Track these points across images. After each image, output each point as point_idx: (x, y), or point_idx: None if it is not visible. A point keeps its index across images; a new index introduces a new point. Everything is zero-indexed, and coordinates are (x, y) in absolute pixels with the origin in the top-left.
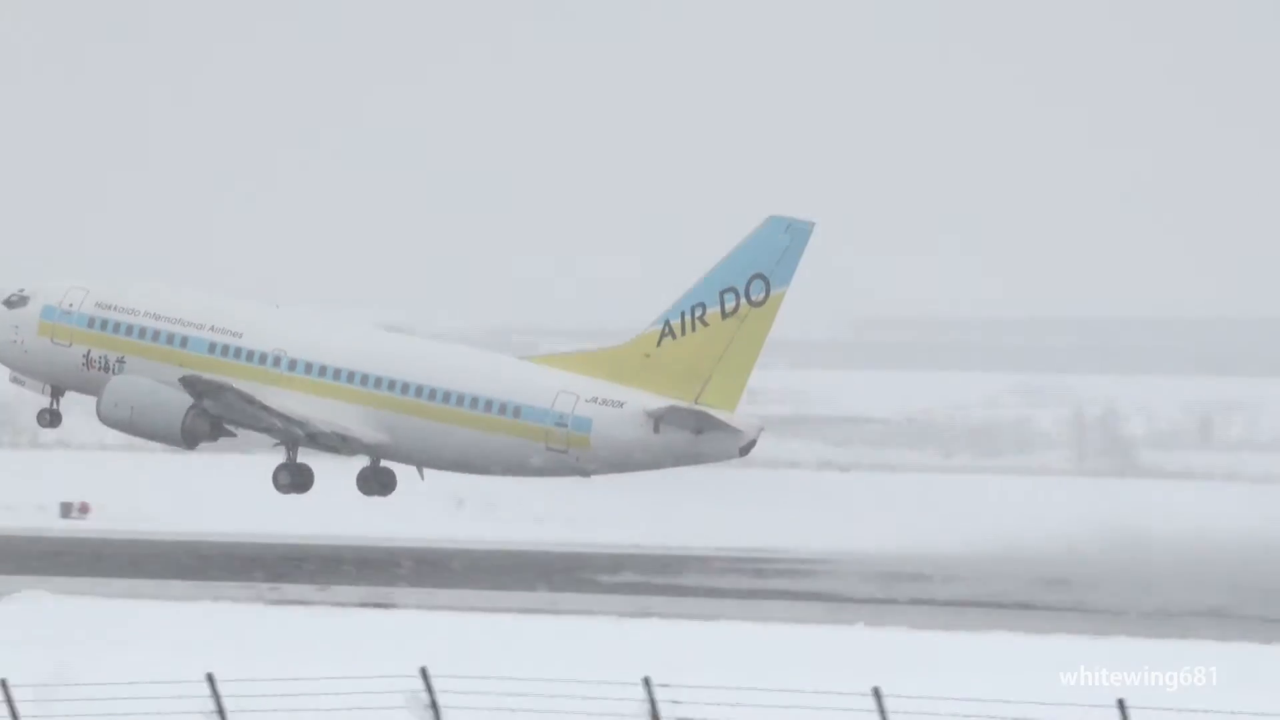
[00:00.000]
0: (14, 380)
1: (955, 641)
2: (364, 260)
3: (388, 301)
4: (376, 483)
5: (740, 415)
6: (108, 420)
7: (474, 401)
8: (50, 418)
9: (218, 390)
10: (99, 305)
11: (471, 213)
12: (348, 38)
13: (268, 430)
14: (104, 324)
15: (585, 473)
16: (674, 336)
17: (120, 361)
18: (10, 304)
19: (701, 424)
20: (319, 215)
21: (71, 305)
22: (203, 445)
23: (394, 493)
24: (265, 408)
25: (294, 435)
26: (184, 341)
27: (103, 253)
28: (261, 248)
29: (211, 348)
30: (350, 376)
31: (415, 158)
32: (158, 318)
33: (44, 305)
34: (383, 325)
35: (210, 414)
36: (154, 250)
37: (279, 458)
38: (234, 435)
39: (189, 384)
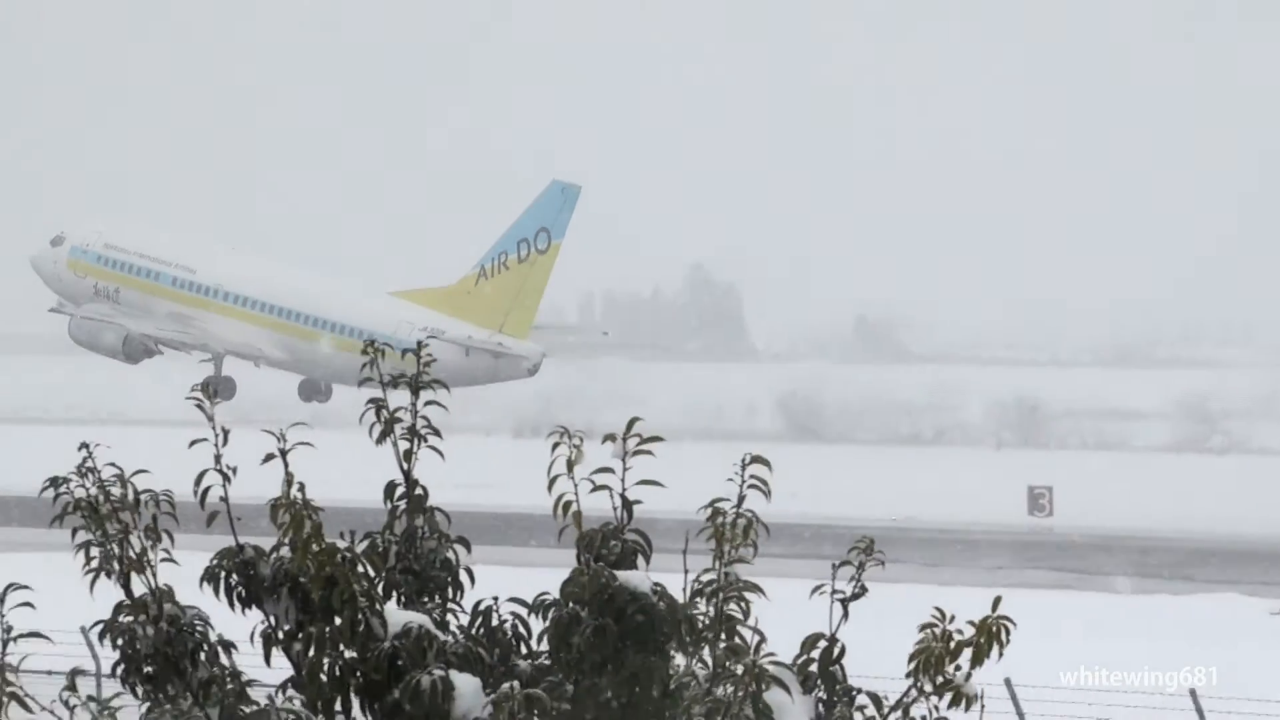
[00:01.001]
0: (59, 305)
1: None
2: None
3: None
4: (316, 391)
5: (527, 344)
6: (75, 340)
7: (339, 328)
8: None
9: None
10: (106, 245)
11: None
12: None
13: (201, 348)
14: (107, 260)
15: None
16: (487, 277)
17: (117, 291)
18: (53, 243)
19: (495, 352)
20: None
21: (88, 245)
22: None
23: (330, 400)
24: (158, 340)
25: (216, 352)
26: (156, 276)
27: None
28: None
29: (174, 281)
30: (263, 307)
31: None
32: (142, 256)
33: (71, 245)
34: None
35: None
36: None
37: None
38: (161, 353)
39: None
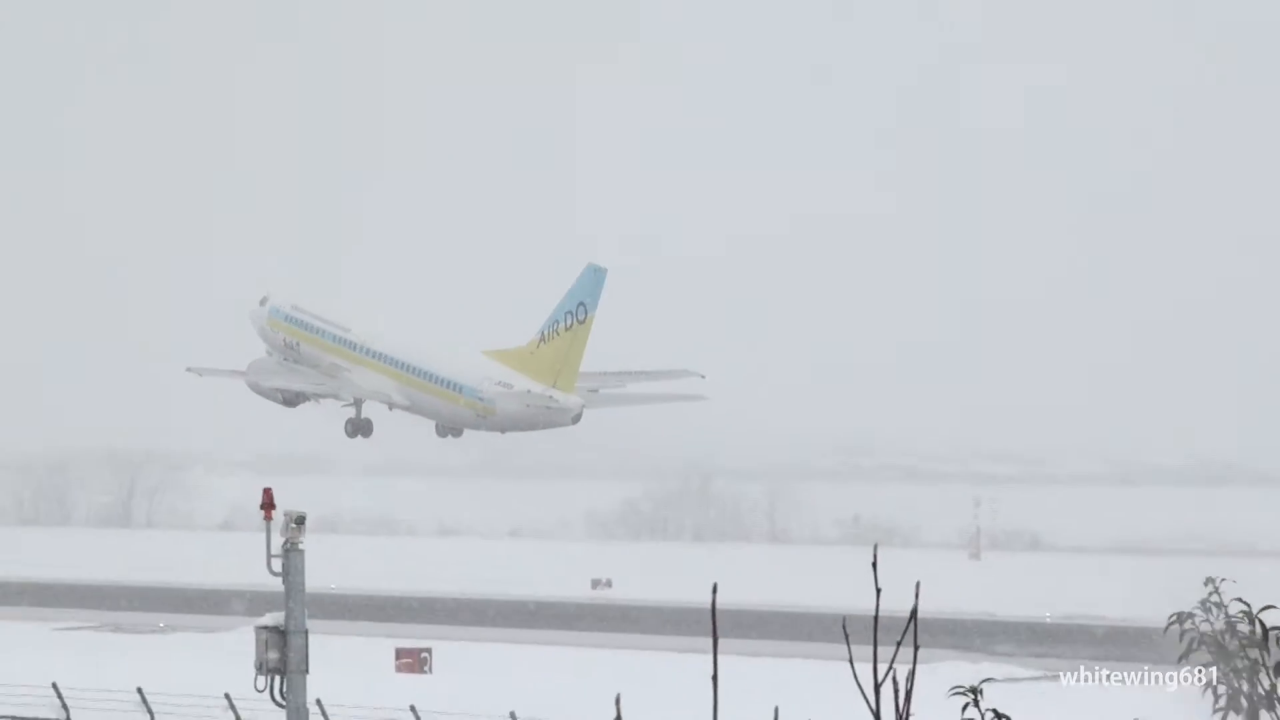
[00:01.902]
0: (267, 353)
1: None
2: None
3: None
4: (450, 431)
5: (572, 397)
6: (252, 391)
7: (442, 381)
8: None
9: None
10: (293, 308)
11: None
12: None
13: (334, 396)
14: (292, 320)
15: (501, 430)
16: (545, 341)
17: (298, 345)
18: (260, 304)
19: (546, 404)
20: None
21: (280, 307)
22: None
23: (460, 436)
24: (298, 393)
25: (357, 398)
26: (322, 333)
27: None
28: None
29: (333, 338)
30: (393, 362)
31: None
32: (314, 316)
33: (271, 305)
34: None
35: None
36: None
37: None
38: (309, 399)
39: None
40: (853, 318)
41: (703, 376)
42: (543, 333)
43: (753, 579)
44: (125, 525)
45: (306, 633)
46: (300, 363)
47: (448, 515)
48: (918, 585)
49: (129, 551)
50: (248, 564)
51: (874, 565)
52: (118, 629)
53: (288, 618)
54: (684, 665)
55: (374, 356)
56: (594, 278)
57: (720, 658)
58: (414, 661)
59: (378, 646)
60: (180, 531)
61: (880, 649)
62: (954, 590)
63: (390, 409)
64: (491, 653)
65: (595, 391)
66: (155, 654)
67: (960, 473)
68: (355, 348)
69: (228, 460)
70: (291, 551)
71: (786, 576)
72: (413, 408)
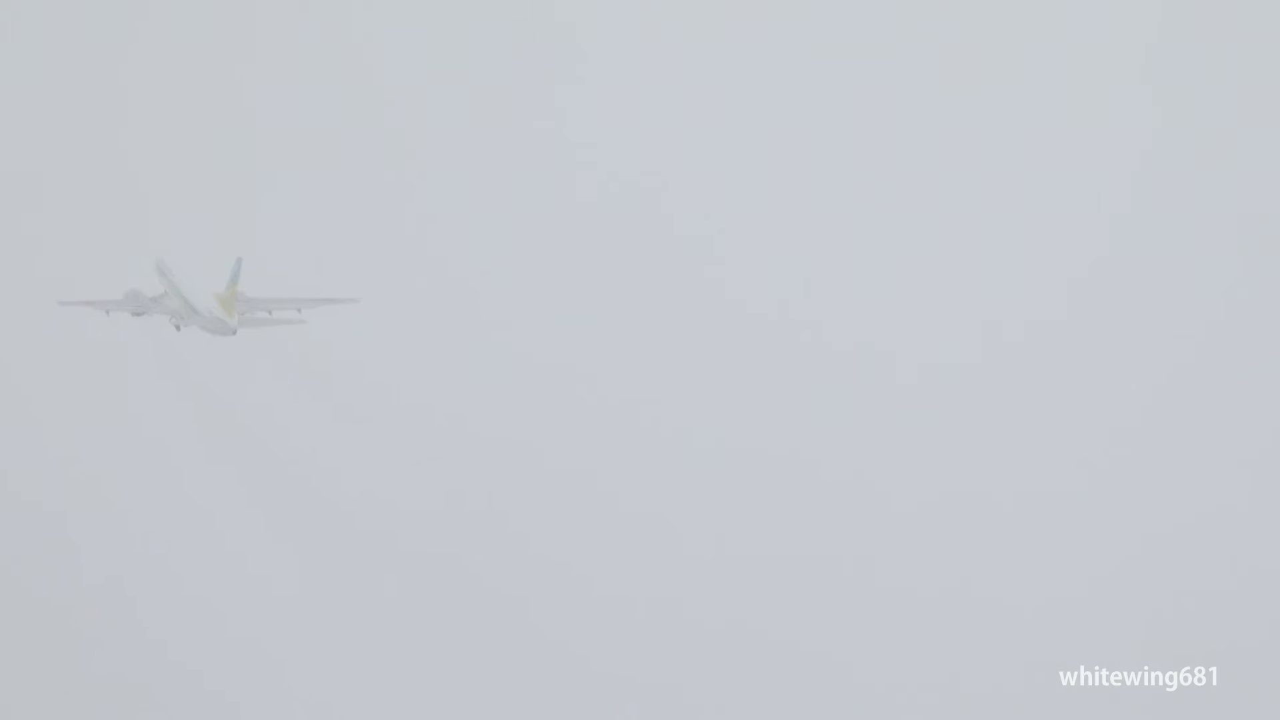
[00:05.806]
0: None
1: None
2: None
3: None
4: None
5: (233, 320)
6: (101, 306)
7: (192, 309)
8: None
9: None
10: (161, 261)
11: None
12: None
13: (149, 313)
14: (160, 268)
15: (211, 333)
16: (228, 289)
17: (161, 281)
18: (156, 256)
19: (220, 324)
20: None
21: (158, 259)
22: None
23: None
24: (133, 312)
25: (176, 314)
26: (165, 276)
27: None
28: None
29: (168, 281)
30: (181, 296)
31: None
32: (167, 267)
33: (157, 258)
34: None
35: (129, 310)
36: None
37: (173, 322)
38: (142, 315)
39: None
40: None
41: (358, 301)
42: (228, 285)
43: None
44: None
45: None
46: (166, 293)
47: None
48: None
49: None
50: None
51: None
52: None
53: None
54: None
55: (177, 292)
56: (238, 265)
57: None
58: None
59: None
60: None
61: None
62: None
63: (189, 322)
64: None
65: (245, 314)
66: None
67: None
68: (174, 287)
69: None
70: None
71: None
72: (186, 321)
